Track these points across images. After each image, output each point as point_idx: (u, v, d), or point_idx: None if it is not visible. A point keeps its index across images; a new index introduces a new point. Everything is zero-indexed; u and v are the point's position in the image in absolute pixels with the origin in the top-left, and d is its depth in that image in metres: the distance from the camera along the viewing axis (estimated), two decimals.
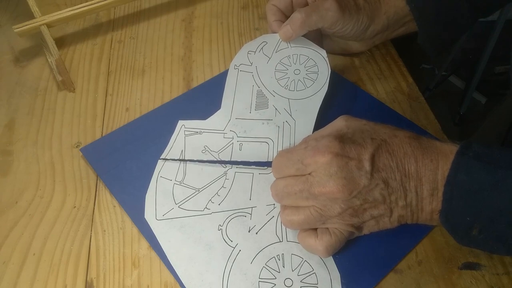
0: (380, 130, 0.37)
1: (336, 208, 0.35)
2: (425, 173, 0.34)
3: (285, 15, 0.50)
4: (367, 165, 0.34)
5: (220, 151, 0.44)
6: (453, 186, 0.33)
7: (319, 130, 0.39)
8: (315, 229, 0.37)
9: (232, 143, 0.44)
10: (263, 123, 0.46)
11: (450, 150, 0.34)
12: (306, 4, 0.49)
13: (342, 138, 0.35)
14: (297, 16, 0.46)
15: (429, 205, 0.35)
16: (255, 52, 0.50)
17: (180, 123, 0.47)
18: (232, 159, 0.43)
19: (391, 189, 0.34)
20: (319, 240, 0.36)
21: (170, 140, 0.45)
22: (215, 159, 0.43)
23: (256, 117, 0.46)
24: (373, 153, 0.34)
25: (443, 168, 0.34)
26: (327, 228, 0.36)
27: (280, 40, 0.49)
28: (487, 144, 0.33)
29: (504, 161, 0.32)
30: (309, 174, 0.35)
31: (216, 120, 0.47)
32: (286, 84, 0.48)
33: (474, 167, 0.32)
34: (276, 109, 0.46)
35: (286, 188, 0.36)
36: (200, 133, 0.46)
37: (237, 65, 0.49)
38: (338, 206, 0.35)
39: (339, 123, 0.38)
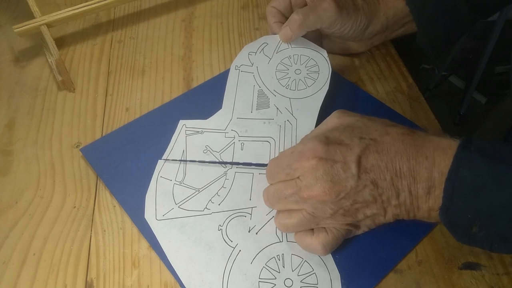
0: (371, 127, 0.36)
1: (327, 210, 0.35)
2: (419, 171, 0.33)
3: (285, 17, 0.50)
4: (353, 167, 0.34)
5: (221, 151, 0.44)
6: (455, 182, 0.32)
7: (312, 130, 0.40)
8: (311, 228, 0.37)
9: (234, 142, 0.45)
10: (264, 123, 0.46)
11: (448, 145, 0.34)
12: (305, 5, 0.49)
13: (327, 140, 0.35)
14: (295, 18, 0.47)
15: (426, 203, 0.34)
16: (255, 53, 0.50)
17: (181, 122, 0.47)
18: (233, 159, 0.43)
19: (381, 189, 0.34)
20: (316, 238, 0.36)
21: (171, 140, 0.45)
22: (217, 160, 0.43)
23: (257, 116, 0.46)
24: (360, 155, 0.34)
25: (441, 164, 0.33)
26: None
27: (281, 41, 0.49)
28: (488, 140, 0.33)
29: (506, 156, 0.31)
30: (298, 178, 0.35)
31: (217, 119, 0.47)
32: (287, 84, 0.48)
33: (477, 162, 0.31)
34: (277, 108, 0.46)
35: (277, 193, 0.37)
36: (202, 132, 0.46)
37: (238, 66, 0.49)
38: (328, 207, 0.35)
39: (332, 121, 0.38)
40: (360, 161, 0.34)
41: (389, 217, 0.36)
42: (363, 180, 0.34)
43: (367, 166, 0.34)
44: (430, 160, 0.33)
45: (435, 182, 0.33)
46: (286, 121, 0.45)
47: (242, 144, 0.44)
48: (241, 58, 0.50)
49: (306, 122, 0.45)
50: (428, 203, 0.34)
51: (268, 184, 0.39)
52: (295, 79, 0.48)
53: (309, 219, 0.36)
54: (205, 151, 0.44)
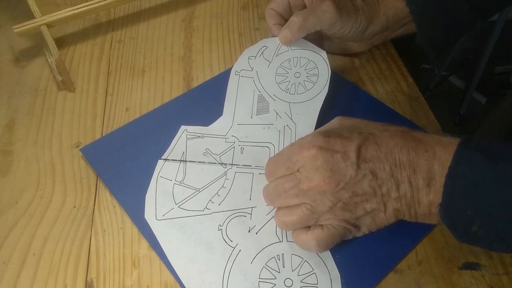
0: (371, 125, 0.37)
1: (326, 202, 0.35)
2: (419, 163, 0.34)
3: (284, 18, 0.50)
4: (352, 156, 0.34)
5: (221, 154, 0.44)
6: (455, 178, 0.32)
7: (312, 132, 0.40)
8: (309, 226, 0.37)
9: (234, 147, 0.45)
10: (264, 128, 0.46)
11: (449, 141, 0.34)
12: (304, 7, 0.49)
13: (327, 133, 0.36)
14: (294, 20, 0.47)
15: (426, 196, 0.34)
16: (255, 57, 0.50)
17: (183, 128, 0.47)
18: (233, 162, 0.43)
19: (381, 180, 0.34)
20: (310, 234, 0.36)
21: (172, 143, 0.45)
22: (216, 161, 0.43)
23: (257, 122, 0.46)
24: (359, 145, 0.35)
25: (441, 158, 0.33)
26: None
27: (280, 43, 0.49)
28: (488, 139, 0.33)
29: (506, 154, 0.32)
30: (297, 170, 0.36)
31: (218, 126, 0.47)
32: (287, 88, 0.48)
33: (477, 159, 0.31)
34: (277, 113, 0.46)
35: (276, 188, 0.37)
36: (202, 137, 0.46)
37: (238, 71, 0.49)
38: (328, 199, 0.35)
39: (333, 123, 0.39)
40: (359, 151, 0.34)
41: (390, 214, 0.36)
42: (362, 170, 0.34)
43: (367, 156, 0.34)
44: (430, 153, 0.34)
45: (435, 174, 0.33)
46: (286, 126, 0.45)
47: (242, 148, 0.44)
48: (241, 63, 0.50)
49: (305, 126, 0.45)
50: (429, 197, 0.34)
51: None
52: (294, 83, 0.48)
53: (309, 215, 0.36)
54: (205, 154, 0.44)
